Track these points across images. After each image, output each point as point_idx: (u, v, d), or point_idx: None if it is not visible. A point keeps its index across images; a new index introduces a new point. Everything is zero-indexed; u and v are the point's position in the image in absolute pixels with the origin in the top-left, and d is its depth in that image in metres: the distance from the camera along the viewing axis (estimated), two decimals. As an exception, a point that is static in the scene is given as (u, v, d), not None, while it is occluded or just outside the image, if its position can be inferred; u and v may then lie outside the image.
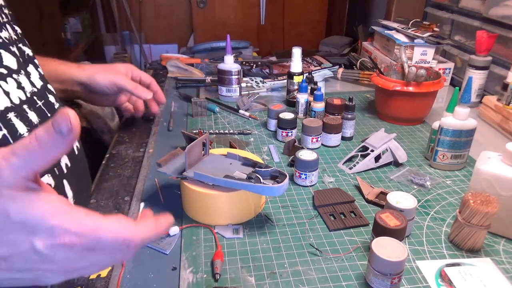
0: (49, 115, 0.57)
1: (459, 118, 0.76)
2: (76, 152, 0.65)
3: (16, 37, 0.58)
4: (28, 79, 0.55)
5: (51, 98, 0.60)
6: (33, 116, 0.53)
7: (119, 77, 0.83)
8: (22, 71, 0.55)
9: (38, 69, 0.60)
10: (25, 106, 0.52)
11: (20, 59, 0.56)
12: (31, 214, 0.30)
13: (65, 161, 0.59)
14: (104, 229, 0.31)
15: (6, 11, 0.58)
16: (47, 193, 0.31)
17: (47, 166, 0.30)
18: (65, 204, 0.31)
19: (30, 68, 0.58)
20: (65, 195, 0.58)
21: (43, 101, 0.57)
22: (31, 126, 0.52)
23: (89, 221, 0.31)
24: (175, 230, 0.62)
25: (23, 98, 0.52)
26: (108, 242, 0.31)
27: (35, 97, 0.55)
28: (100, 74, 0.82)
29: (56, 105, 0.61)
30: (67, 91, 0.81)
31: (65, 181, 0.57)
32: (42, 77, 0.60)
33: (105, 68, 0.85)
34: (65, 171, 0.58)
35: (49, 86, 0.62)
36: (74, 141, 0.29)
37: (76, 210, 0.31)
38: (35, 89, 0.56)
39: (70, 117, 0.28)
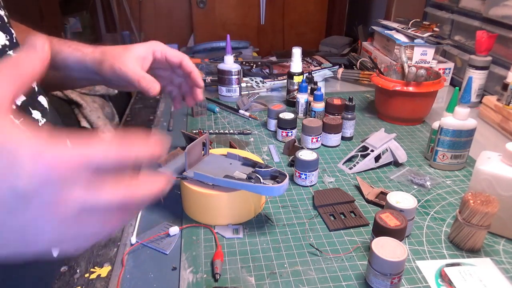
0: None
1: (459, 118, 0.76)
2: None
3: (8, 43, 0.53)
4: None
5: (36, 114, 0.54)
6: None
7: (125, 66, 0.66)
8: None
9: None
10: None
11: None
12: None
13: None
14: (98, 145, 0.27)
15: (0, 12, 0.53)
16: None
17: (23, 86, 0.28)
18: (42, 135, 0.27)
19: None
20: None
21: (22, 119, 0.51)
22: None
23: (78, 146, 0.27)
24: (175, 230, 0.62)
25: None
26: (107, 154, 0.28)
27: (11, 116, 0.51)
28: (105, 65, 0.66)
29: (42, 122, 0.56)
30: (88, 79, 0.71)
31: None
32: (27, 90, 0.56)
33: (116, 54, 0.68)
34: None
35: (39, 99, 0.56)
36: (47, 57, 0.28)
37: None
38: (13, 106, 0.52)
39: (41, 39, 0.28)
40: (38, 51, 0.29)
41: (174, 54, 0.69)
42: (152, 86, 0.65)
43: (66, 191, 0.27)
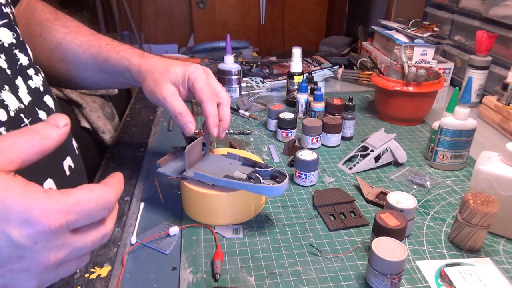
0: None
1: (459, 118, 0.76)
2: (77, 152, 0.62)
3: (15, 41, 0.53)
4: (14, 95, 0.49)
5: (42, 115, 0.54)
6: None
7: (165, 97, 0.64)
8: (7, 86, 0.48)
9: (29, 81, 0.54)
10: (2, 129, 0.45)
11: (8, 70, 0.50)
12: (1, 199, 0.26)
13: (68, 163, 0.56)
14: (85, 199, 0.29)
15: (6, 10, 0.53)
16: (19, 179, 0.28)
17: (34, 158, 0.29)
18: (37, 188, 0.28)
19: (18, 81, 0.51)
20: None
21: (30, 119, 0.51)
22: None
23: (67, 197, 0.28)
24: (175, 230, 0.62)
25: (4, 118, 0.46)
26: (91, 211, 0.29)
27: (21, 115, 0.49)
28: (146, 87, 0.66)
29: None
30: (130, 85, 0.73)
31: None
32: (31, 91, 0.54)
33: (157, 76, 0.66)
34: (68, 173, 0.55)
35: (44, 99, 0.56)
36: (65, 135, 0.30)
37: (51, 191, 0.28)
38: (22, 106, 0.49)
39: (65, 118, 0.30)
40: (59, 128, 0.31)
41: (200, 89, 0.64)
42: (188, 126, 0.63)
43: (55, 242, 0.28)
